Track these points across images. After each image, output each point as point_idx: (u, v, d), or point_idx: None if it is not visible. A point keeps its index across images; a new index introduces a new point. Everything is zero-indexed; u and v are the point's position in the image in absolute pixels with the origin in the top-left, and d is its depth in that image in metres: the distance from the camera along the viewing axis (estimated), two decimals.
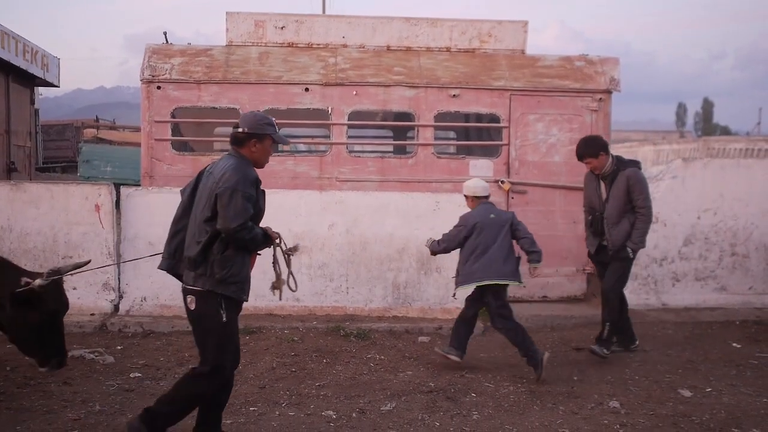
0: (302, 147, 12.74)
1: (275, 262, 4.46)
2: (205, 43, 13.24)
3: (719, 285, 8.62)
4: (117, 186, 7.89)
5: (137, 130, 14.48)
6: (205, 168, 4.31)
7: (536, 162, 8.74)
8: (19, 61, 16.27)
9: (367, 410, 5.22)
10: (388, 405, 5.31)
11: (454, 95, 8.69)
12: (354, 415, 5.12)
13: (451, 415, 5.15)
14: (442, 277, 7.77)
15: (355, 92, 8.61)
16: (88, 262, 5.26)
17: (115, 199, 7.66)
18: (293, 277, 4.54)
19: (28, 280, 4.55)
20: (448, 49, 9.11)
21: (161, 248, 4.39)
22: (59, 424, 4.77)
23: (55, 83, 19.41)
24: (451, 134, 10.88)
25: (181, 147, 8.83)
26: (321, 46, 9.00)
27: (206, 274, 4.04)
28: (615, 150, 7.39)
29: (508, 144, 8.73)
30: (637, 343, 6.89)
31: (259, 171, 4.24)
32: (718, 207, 8.58)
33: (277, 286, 4.51)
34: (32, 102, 18.74)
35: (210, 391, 4.21)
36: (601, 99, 8.77)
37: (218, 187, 4.01)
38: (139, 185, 8.41)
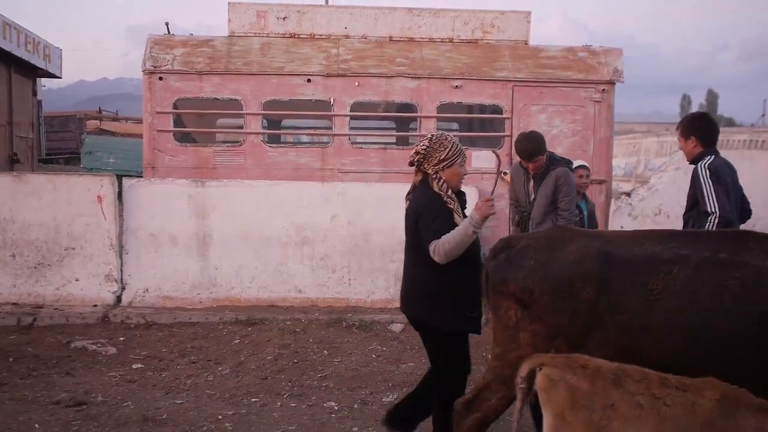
0: (304, 138, 12.75)
1: None
2: (208, 34, 13.22)
3: None
4: (119, 177, 7.89)
5: (140, 121, 14.46)
6: None
7: None
8: (21, 52, 16.23)
9: (369, 401, 5.23)
10: (390, 396, 5.32)
11: (456, 86, 8.66)
12: (356, 406, 5.13)
13: None
14: None
15: (357, 83, 8.59)
16: None
17: (117, 190, 7.65)
18: None
19: None
20: (450, 40, 9.07)
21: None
22: (61, 415, 4.79)
23: (58, 74, 19.37)
24: (454, 125, 10.85)
25: (183, 138, 8.82)
26: (323, 36, 8.96)
27: None
28: (618, 142, 7.30)
29: (511, 135, 8.69)
30: None
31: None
32: None
33: None
34: (34, 93, 18.70)
35: None
36: (604, 90, 8.73)
37: None
38: (142, 176, 8.41)
